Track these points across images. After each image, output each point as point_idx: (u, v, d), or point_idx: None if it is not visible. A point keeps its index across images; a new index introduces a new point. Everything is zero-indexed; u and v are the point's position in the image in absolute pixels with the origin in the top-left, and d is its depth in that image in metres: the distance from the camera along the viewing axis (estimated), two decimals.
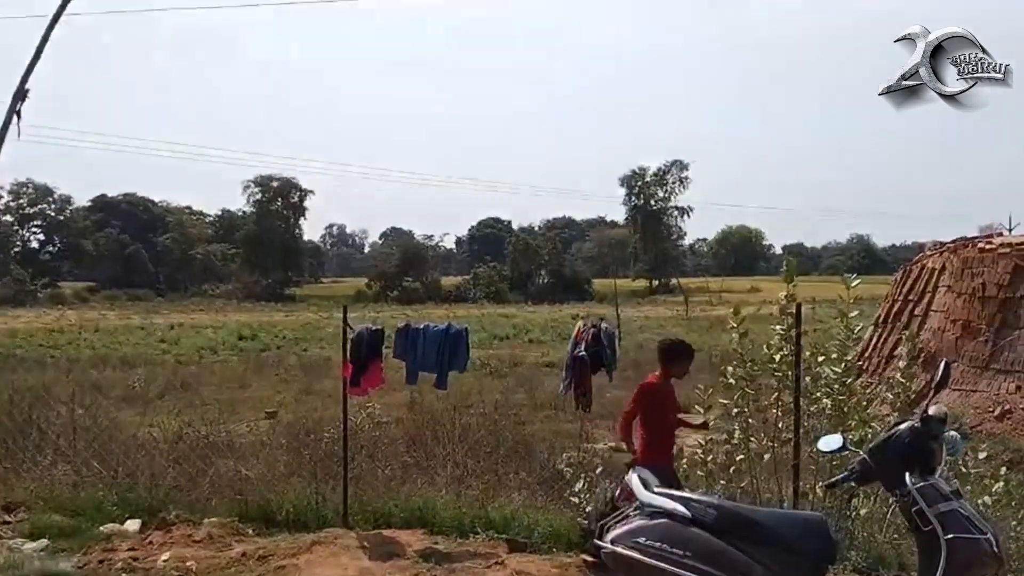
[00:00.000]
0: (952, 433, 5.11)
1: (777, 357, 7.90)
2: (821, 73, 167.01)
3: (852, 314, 7.85)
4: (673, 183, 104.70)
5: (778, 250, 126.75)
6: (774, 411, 8.10)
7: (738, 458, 8.02)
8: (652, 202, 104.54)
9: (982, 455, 8.21)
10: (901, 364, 8.31)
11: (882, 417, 7.97)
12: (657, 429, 7.84)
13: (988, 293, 18.21)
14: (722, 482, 8.02)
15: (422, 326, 9.31)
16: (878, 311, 21.14)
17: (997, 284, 18.13)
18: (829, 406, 7.77)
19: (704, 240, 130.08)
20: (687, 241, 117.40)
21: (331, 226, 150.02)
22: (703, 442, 8.28)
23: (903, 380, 7.96)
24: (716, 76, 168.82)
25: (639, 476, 5.34)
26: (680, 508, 4.99)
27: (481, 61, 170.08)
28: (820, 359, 7.91)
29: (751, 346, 8.10)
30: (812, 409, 8.00)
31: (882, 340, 19.86)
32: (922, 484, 4.81)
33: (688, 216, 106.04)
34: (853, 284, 7.93)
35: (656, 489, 5.21)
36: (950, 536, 4.70)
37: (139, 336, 43.57)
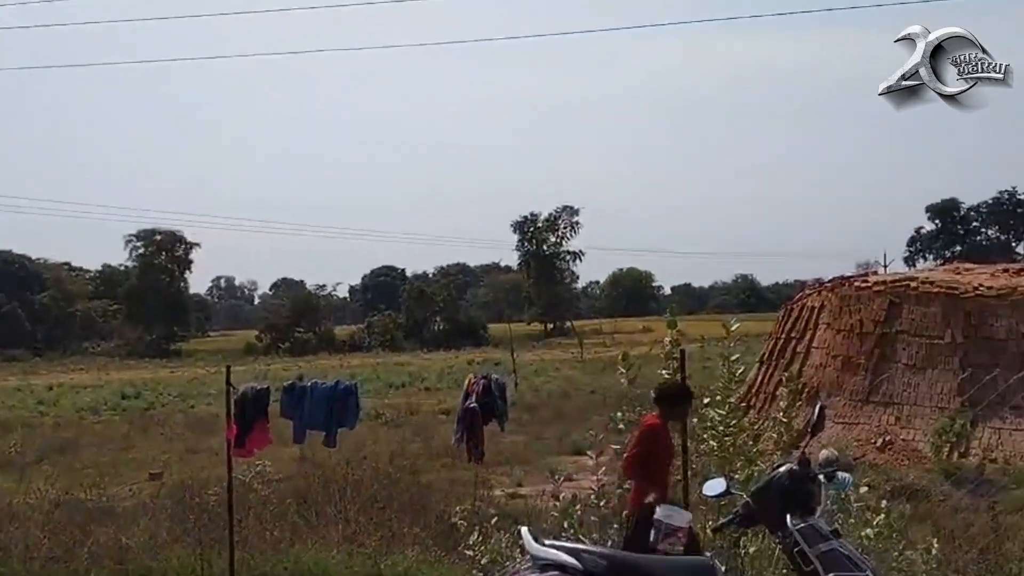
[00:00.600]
0: (843, 474, 5.27)
1: None
2: (703, 121, 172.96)
3: (733, 357, 8.02)
4: (564, 228, 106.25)
5: (667, 291, 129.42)
6: None
7: None
8: (544, 247, 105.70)
9: (863, 489, 8.43)
10: (783, 404, 8.52)
11: (768, 454, 8.14)
12: (656, 469, 7.75)
13: (866, 329, 18.92)
14: (615, 526, 8.04)
15: (310, 384, 9.16)
16: (763, 348, 21.72)
17: (874, 320, 18.85)
18: (716, 447, 7.90)
19: (596, 283, 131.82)
20: (580, 284, 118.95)
21: (219, 278, 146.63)
22: (595, 488, 8.28)
23: (784, 419, 8.16)
24: (604, 125, 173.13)
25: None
26: (571, 560, 4.98)
27: (373, 109, 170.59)
28: (705, 401, 8.05)
29: (641, 388, 8.19)
30: (701, 449, 8.13)
31: (767, 377, 20.38)
32: (802, 525, 4.92)
33: (580, 260, 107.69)
34: (733, 327, 8.12)
35: (547, 542, 5.19)
36: (831, 575, 4.81)
37: (16, 398, 41.64)
